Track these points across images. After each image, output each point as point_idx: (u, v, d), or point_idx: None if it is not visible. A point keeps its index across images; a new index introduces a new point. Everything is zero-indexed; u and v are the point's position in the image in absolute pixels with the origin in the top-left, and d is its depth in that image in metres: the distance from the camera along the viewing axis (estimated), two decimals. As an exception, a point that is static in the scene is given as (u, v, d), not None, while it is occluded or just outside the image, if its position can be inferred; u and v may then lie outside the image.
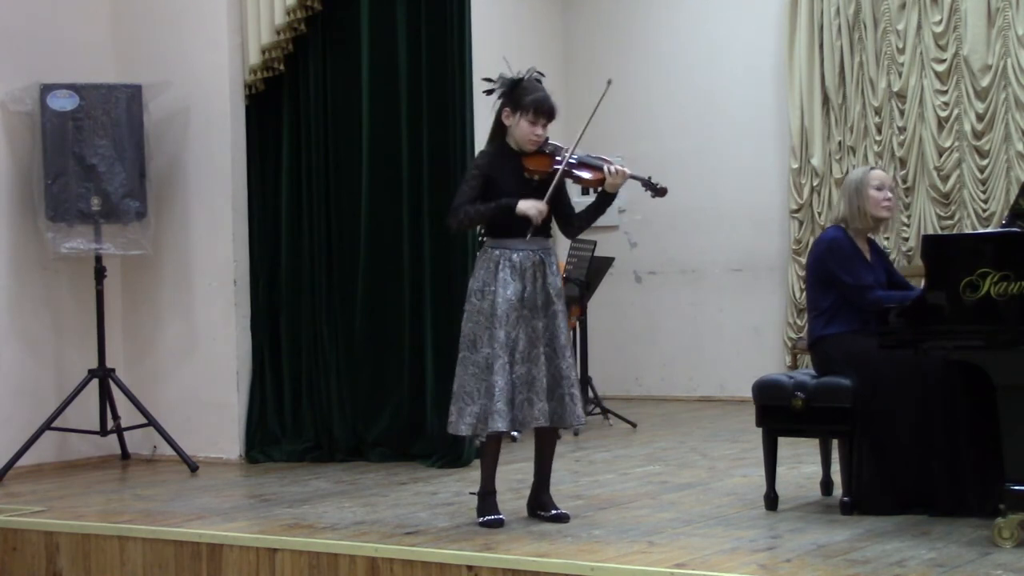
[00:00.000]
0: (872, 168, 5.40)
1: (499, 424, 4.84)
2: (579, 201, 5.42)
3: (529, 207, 4.87)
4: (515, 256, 4.95)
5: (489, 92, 5.05)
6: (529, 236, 4.91)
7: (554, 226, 5.15)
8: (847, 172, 9.04)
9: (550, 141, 5.05)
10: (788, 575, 4.04)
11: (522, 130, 4.96)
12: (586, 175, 5.01)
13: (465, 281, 6.52)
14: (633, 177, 5.02)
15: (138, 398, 6.98)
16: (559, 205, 5.08)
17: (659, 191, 5.06)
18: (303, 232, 7.13)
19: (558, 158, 4.99)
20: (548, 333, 4.95)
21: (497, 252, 4.96)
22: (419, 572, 4.53)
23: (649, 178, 5.06)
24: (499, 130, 5.05)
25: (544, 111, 4.94)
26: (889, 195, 5.28)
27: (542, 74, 5.07)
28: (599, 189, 5.03)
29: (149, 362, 7.39)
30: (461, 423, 4.92)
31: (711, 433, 7.79)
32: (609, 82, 5.03)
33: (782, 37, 9.38)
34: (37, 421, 6.79)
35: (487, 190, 4.95)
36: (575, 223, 5.15)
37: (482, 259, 5.01)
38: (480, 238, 5.27)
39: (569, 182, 5.07)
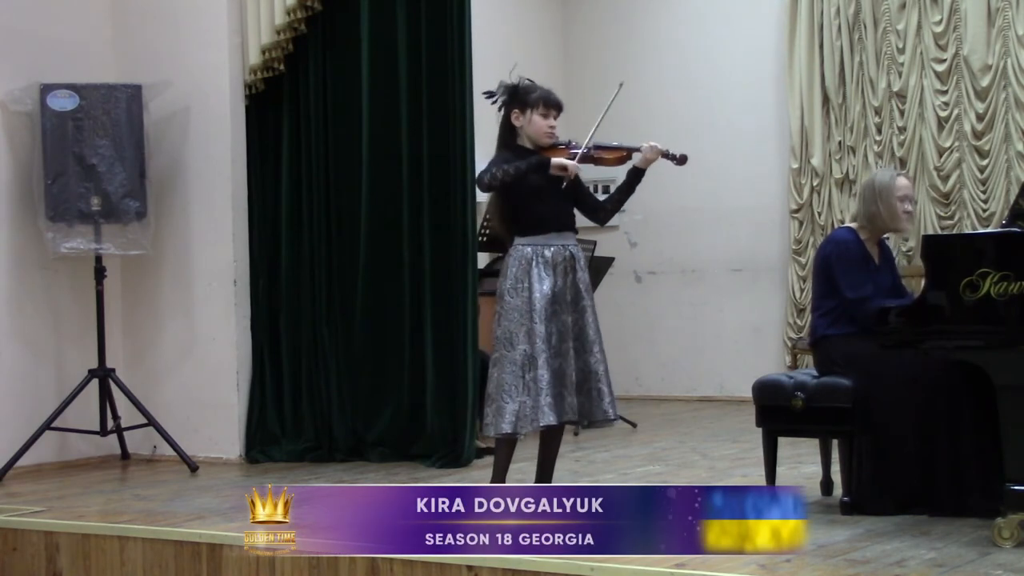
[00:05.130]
0: (898, 175, 5.24)
1: (549, 418, 4.85)
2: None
3: (562, 160, 4.97)
4: (547, 252, 5.01)
5: (494, 101, 5.12)
6: (564, 185, 4.97)
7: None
8: (847, 172, 9.06)
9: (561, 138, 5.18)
10: (788, 575, 4.04)
11: (536, 125, 5.04)
12: (607, 155, 5.16)
13: (466, 281, 6.56)
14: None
15: (138, 398, 6.98)
16: (582, 197, 5.17)
17: (680, 160, 5.18)
18: (303, 232, 7.13)
19: (574, 145, 5.12)
20: (577, 328, 5.00)
21: (529, 249, 5.00)
22: (419, 572, 4.52)
23: (667, 150, 5.21)
24: (509, 134, 5.08)
25: (553, 103, 5.08)
26: (909, 208, 5.22)
27: (532, 81, 5.18)
28: (631, 167, 5.17)
29: (149, 362, 7.38)
30: (502, 422, 4.89)
31: (711, 433, 7.78)
32: (621, 85, 5.14)
33: (782, 37, 9.38)
34: (37, 421, 6.78)
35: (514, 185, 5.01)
36: (607, 206, 5.25)
37: (514, 257, 5.04)
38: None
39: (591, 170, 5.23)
